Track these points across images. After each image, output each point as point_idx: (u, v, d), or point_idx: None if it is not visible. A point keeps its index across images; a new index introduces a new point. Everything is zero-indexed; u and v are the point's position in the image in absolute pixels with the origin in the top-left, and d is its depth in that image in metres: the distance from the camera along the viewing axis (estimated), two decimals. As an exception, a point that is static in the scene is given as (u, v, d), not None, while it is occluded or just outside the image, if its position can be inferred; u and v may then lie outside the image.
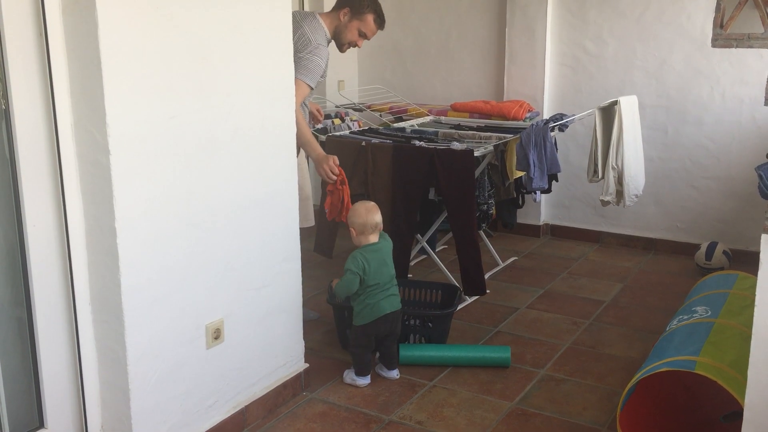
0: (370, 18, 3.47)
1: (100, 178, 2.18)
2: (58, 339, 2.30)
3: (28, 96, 2.11)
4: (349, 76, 5.76)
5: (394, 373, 3.18)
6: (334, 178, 3.31)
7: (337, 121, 4.83)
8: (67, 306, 2.30)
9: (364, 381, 3.12)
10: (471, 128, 4.55)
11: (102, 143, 2.14)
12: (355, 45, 3.54)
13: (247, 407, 2.77)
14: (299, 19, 3.36)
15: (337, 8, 3.50)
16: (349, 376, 3.14)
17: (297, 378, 3.01)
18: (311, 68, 3.30)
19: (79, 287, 2.29)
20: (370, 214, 3.09)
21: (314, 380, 3.12)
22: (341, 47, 3.57)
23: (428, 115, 4.98)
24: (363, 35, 3.52)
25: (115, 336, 2.30)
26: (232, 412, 2.71)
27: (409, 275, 4.10)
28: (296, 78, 2.99)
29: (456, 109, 5.00)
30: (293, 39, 2.88)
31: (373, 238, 3.09)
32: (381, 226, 3.13)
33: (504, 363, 3.24)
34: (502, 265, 4.64)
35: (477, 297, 4.04)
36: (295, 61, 2.88)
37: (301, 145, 3.26)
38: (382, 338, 3.13)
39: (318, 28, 3.40)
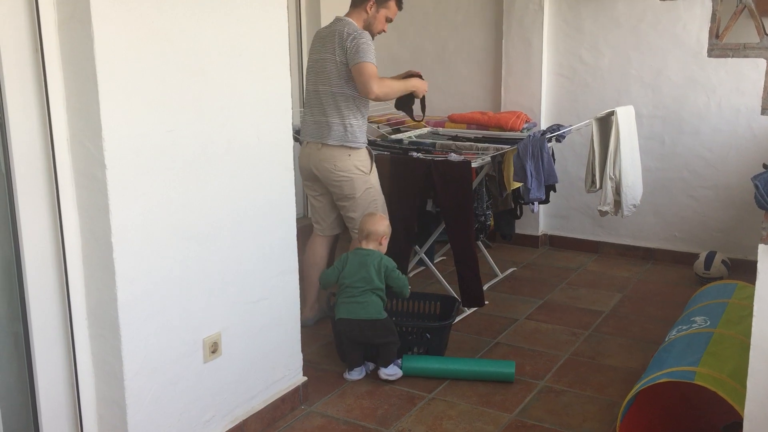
0: (393, 3, 3.71)
1: (96, 192, 2.18)
2: (55, 354, 2.29)
3: (24, 110, 2.10)
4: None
5: (382, 372, 3.21)
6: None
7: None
8: (64, 320, 2.29)
9: (349, 375, 3.26)
10: (468, 139, 4.55)
11: (98, 157, 2.14)
12: (382, 32, 3.72)
13: (244, 421, 2.75)
14: (335, 28, 3.53)
15: (359, 3, 3.63)
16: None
17: (295, 391, 3.00)
18: (368, 50, 3.47)
19: (75, 302, 2.28)
20: (366, 224, 3.33)
21: (312, 393, 3.10)
22: (372, 38, 3.71)
23: (426, 127, 4.98)
24: (389, 20, 3.74)
25: (112, 350, 2.29)
26: (230, 426, 2.70)
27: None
28: (362, 61, 3.39)
29: (453, 120, 5.00)
30: (345, 45, 3.39)
31: (365, 245, 3.33)
32: (377, 236, 3.31)
33: (508, 378, 3.21)
34: (500, 276, 4.64)
35: (476, 308, 4.03)
36: (352, 51, 3.40)
37: (399, 94, 3.76)
38: (361, 343, 3.25)
39: (354, 27, 3.57)
